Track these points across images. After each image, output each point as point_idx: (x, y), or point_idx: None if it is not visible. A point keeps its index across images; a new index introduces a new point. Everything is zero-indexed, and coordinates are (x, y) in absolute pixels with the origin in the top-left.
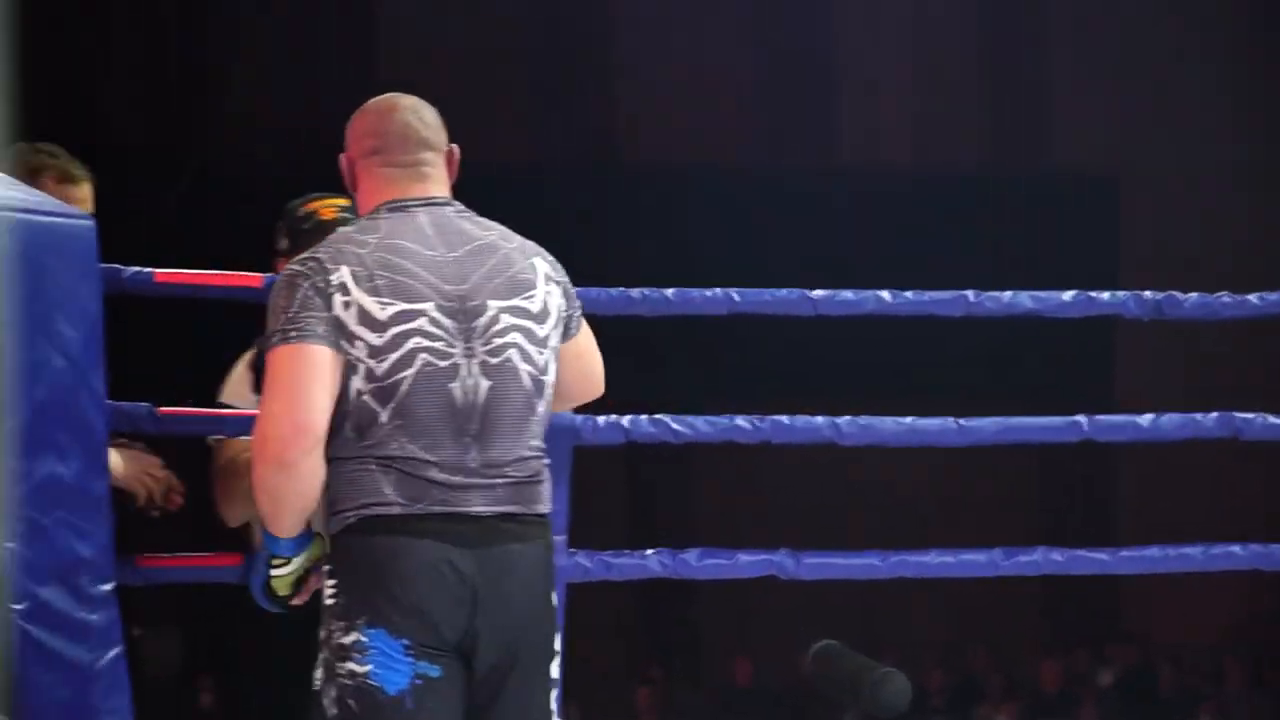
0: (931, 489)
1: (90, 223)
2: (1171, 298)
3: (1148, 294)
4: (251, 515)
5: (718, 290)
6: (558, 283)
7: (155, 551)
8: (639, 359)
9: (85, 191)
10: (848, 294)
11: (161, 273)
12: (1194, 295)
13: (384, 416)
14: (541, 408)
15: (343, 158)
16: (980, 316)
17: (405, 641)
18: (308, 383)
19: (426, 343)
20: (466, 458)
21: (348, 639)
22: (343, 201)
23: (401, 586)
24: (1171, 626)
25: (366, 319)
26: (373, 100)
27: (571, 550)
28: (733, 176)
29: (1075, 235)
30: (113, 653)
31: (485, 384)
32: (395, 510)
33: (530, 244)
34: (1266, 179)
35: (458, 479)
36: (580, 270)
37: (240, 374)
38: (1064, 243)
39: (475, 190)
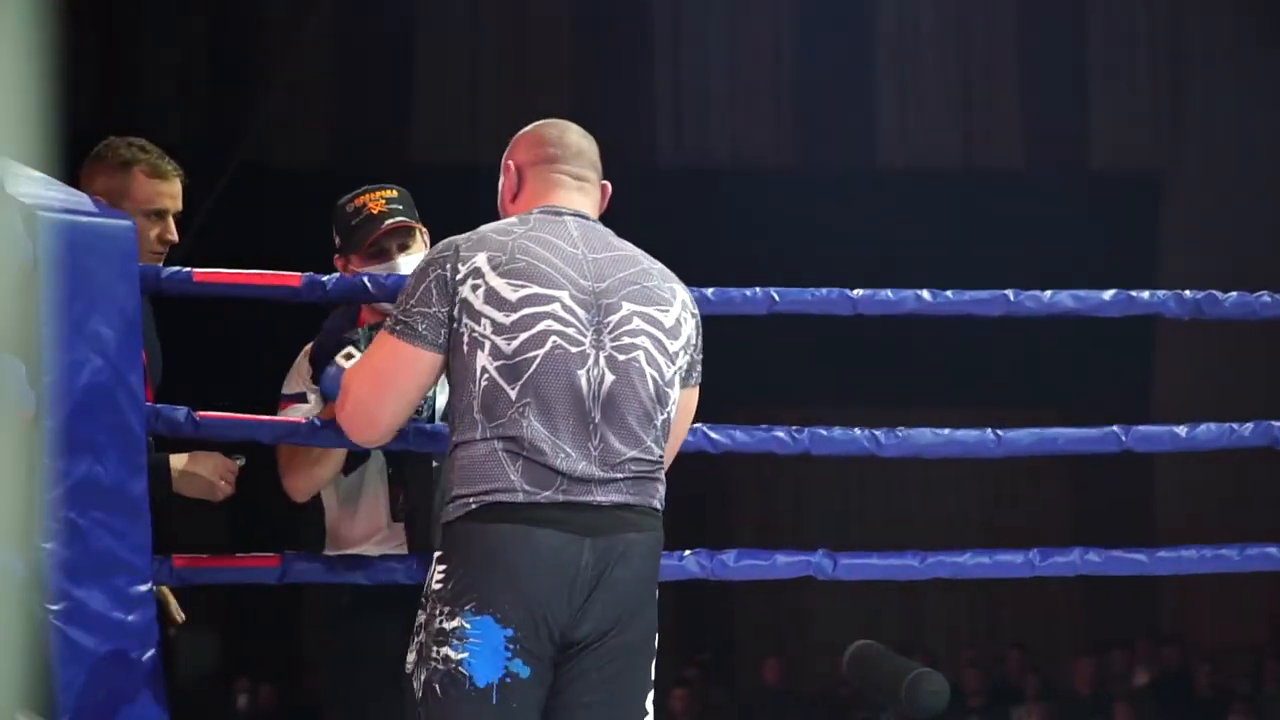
0: (968, 491)
1: (129, 223)
2: (1211, 297)
3: (1187, 293)
4: (317, 487)
5: (757, 290)
6: (693, 314)
7: (192, 552)
8: None
9: (175, 188)
10: (887, 293)
11: (200, 272)
12: (1233, 295)
13: (513, 394)
14: (662, 417)
15: (510, 164)
16: (1020, 316)
17: (509, 633)
18: (391, 381)
19: (558, 326)
20: (590, 445)
21: (450, 624)
22: (389, 193)
23: (518, 575)
24: (1208, 628)
25: (494, 298)
26: (547, 120)
27: None
28: (771, 179)
29: (1115, 236)
30: (149, 653)
31: (610, 378)
32: (519, 498)
33: (671, 273)
34: None
35: (580, 467)
36: None
37: (300, 365)
38: (1103, 244)
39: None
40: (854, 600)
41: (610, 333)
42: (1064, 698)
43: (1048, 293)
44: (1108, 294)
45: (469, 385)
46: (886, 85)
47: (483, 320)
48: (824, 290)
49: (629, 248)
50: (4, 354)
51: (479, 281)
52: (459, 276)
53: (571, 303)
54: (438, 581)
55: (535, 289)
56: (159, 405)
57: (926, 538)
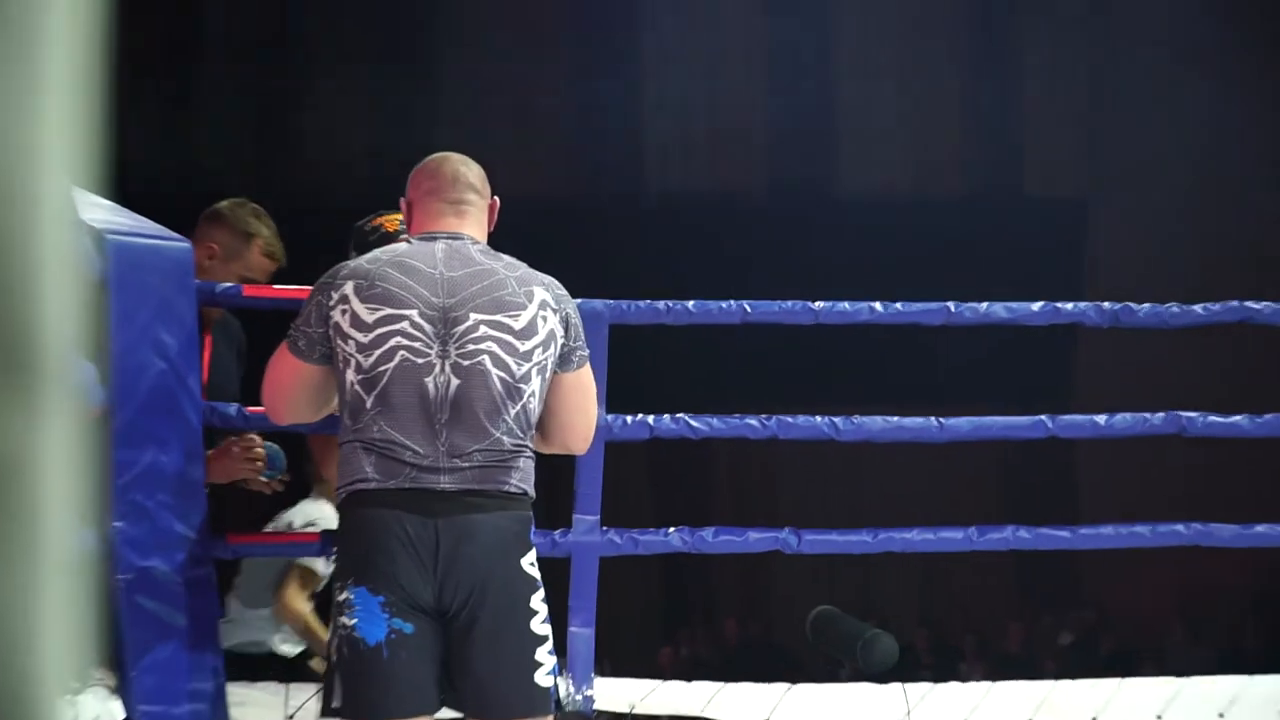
0: (915, 476)
1: (187, 244)
2: (1127, 308)
3: (1106, 305)
4: None
5: (732, 302)
6: (555, 311)
7: (244, 530)
8: (664, 364)
9: (275, 268)
10: (844, 305)
11: (249, 288)
12: (1147, 305)
13: (369, 403)
14: (515, 408)
15: (402, 201)
16: (959, 325)
17: (382, 599)
18: (279, 382)
19: (406, 342)
20: (437, 442)
21: (341, 596)
22: (402, 216)
23: (375, 551)
24: (1125, 595)
25: (357, 322)
26: (432, 155)
27: (604, 529)
28: (747, 206)
29: (1046, 254)
30: (206, 616)
31: (455, 381)
32: (373, 485)
33: (539, 276)
34: (1214, 203)
35: (428, 460)
36: (616, 291)
37: None
38: (1036, 261)
39: (521, 221)
40: (816, 570)
41: (456, 342)
42: (998, 656)
43: (984, 304)
44: (1036, 305)
45: (343, 396)
46: (846, 124)
47: (350, 341)
48: (789, 302)
49: (492, 262)
50: (79, 358)
51: (346, 307)
52: (332, 303)
53: (420, 319)
54: (334, 562)
55: (388, 310)
56: (214, 402)
57: (879, 517)
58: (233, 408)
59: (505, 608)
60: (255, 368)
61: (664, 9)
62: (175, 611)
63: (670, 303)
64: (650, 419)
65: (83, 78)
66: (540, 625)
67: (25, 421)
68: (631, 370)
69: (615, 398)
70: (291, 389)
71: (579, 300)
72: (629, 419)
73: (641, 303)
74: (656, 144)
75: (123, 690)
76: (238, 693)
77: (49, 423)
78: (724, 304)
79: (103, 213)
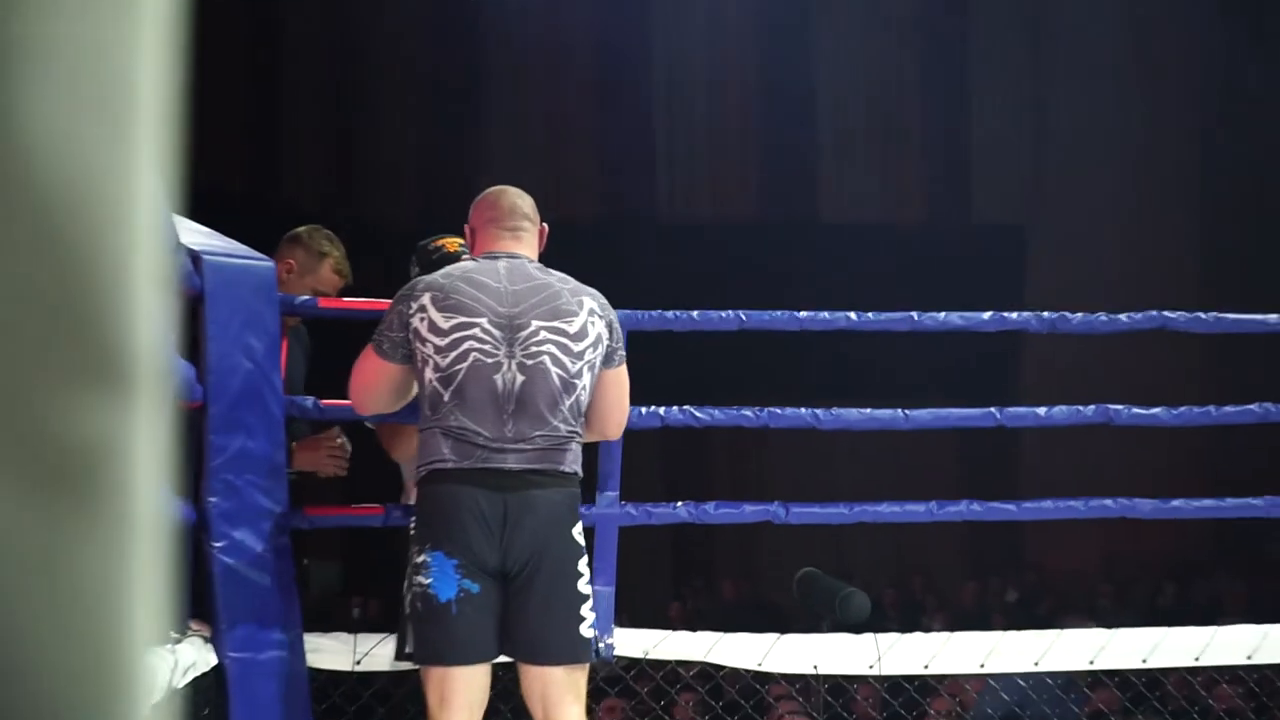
0: (884, 459)
1: (271, 264)
2: (1063, 317)
3: (1045, 314)
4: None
5: (730, 312)
6: (601, 317)
7: (319, 504)
8: (672, 365)
9: (343, 284)
10: (824, 314)
11: (323, 300)
12: (1079, 315)
13: (446, 397)
14: (570, 400)
15: (466, 227)
16: (922, 332)
17: (455, 561)
18: (365, 379)
19: (478, 345)
20: (504, 429)
21: (418, 559)
22: (461, 239)
23: (452, 521)
24: (1061, 559)
25: (434, 328)
26: (490, 189)
27: (623, 503)
28: (743, 229)
29: (991, 274)
30: (287, 578)
31: (520, 378)
32: (449, 465)
33: (586, 288)
34: (1135, 228)
35: (496, 444)
36: (632, 302)
37: None
38: (982, 279)
39: (553, 242)
40: (801, 538)
41: (521, 345)
42: (954, 611)
43: (942, 314)
44: (986, 315)
45: (422, 391)
46: (826, 160)
47: (428, 344)
48: (779, 312)
49: (546, 277)
50: (172, 355)
51: (424, 315)
52: (411, 311)
53: (489, 325)
54: (411, 529)
55: (461, 319)
56: (293, 395)
57: (854, 493)
58: (309, 400)
59: (557, 571)
60: (318, 367)
61: (676, 81)
62: (260, 573)
63: (677, 312)
64: (661, 410)
65: (170, 99)
66: (584, 586)
67: (119, 410)
68: (645, 369)
69: (631, 393)
70: (376, 385)
71: None
72: (643, 410)
73: (653, 312)
74: (667, 182)
75: (215, 640)
76: (312, 641)
77: (140, 411)
78: (723, 313)
79: (201, 237)
